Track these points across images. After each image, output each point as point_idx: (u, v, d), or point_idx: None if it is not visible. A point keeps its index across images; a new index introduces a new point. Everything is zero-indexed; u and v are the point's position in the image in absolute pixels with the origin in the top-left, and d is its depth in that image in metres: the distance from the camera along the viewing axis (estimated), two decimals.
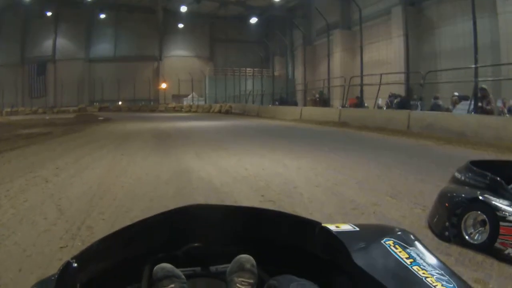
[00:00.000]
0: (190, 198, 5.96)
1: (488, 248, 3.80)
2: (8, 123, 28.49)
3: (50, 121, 29.73)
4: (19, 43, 65.45)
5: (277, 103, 37.96)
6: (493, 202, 3.85)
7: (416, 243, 1.68)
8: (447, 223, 4.21)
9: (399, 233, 1.75)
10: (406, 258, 1.55)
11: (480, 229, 3.98)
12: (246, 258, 1.76)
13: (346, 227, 1.81)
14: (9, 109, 56.50)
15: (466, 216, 4.07)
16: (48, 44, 66.14)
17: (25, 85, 65.43)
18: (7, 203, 5.81)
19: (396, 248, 1.61)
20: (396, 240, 1.67)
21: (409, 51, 26.50)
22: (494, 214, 3.80)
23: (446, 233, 4.19)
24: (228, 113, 41.00)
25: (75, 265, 1.52)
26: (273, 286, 1.60)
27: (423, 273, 1.46)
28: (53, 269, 3.44)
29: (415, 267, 1.49)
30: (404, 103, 20.13)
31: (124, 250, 1.82)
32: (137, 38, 66.88)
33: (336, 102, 31.67)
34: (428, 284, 1.40)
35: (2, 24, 64.25)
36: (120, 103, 62.13)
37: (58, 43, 66.36)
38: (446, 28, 27.86)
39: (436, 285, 1.39)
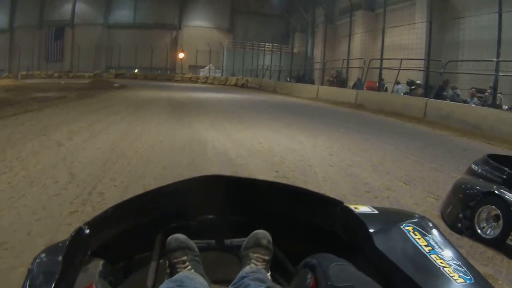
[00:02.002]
0: (204, 168, 5.94)
1: (499, 244, 3.73)
2: (23, 87, 28.59)
3: (65, 86, 29.81)
4: (38, 5, 65.52)
5: (294, 80, 37.81)
6: (509, 198, 3.78)
7: (435, 231, 1.65)
8: (460, 215, 4.14)
9: (418, 219, 1.72)
10: (425, 245, 1.53)
11: (493, 224, 3.92)
12: (263, 234, 1.72)
13: (365, 208, 1.79)
14: (24, 72, 56.73)
15: (480, 210, 4.00)
16: (67, 8, 66.13)
17: (42, 48, 65.61)
18: (19, 165, 5.80)
19: (415, 235, 1.59)
20: (415, 226, 1.64)
21: (432, 38, 26.18)
22: (508, 210, 3.73)
23: (459, 224, 4.13)
24: (244, 86, 40.90)
25: (87, 231, 1.49)
26: (312, 265, 1.56)
27: (441, 263, 1.43)
28: (62, 234, 3.43)
29: (433, 256, 1.47)
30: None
31: (137, 218, 1.79)
32: (157, 6, 66.68)
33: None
34: (445, 274, 1.37)
35: None
36: (136, 70, 62.21)
37: (77, 8, 66.35)
38: (471, 19, 27.42)
39: (454, 276, 1.37)
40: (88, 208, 4.17)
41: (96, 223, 1.55)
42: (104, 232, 1.63)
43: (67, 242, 1.40)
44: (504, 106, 18.36)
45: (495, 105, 15.80)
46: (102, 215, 1.61)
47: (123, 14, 67.54)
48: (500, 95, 17.61)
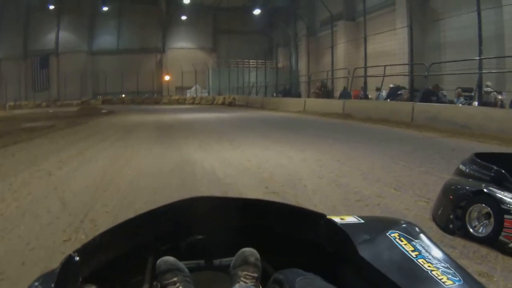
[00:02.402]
0: (194, 190, 5.95)
1: (492, 241, 3.77)
2: (12, 117, 28.51)
3: (53, 114, 29.78)
4: (21, 36, 65.52)
5: (280, 94, 37.93)
6: (498, 195, 3.82)
7: (422, 235, 1.66)
8: (451, 216, 4.18)
9: (404, 225, 1.73)
10: (412, 251, 1.53)
11: (484, 222, 3.95)
12: (250, 252, 1.74)
13: (350, 219, 1.80)
14: (12, 103, 56.54)
15: (470, 209, 4.04)
16: (50, 37, 66.21)
17: (28, 78, 65.52)
18: (10, 197, 5.81)
19: (402, 241, 1.59)
20: (401, 233, 1.65)
21: (413, 42, 26.41)
22: (498, 207, 3.77)
23: (451, 225, 4.16)
24: (231, 105, 40.97)
25: (77, 258, 1.51)
26: (279, 280, 1.58)
27: (429, 266, 1.44)
28: (56, 262, 3.41)
29: (420, 260, 1.47)
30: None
31: (126, 243, 1.81)
32: (140, 30, 66.89)
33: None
34: (434, 278, 1.38)
35: (4, 17, 64.29)
36: (123, 95, 62.20)
37: (60, 36, 66.40)
38: (451, 19, 27.68)
39: (442, 279, 1.37)
40: (81, 235, 4.17)
41: (86, 250, 1.56)
42: (95, 258, 1.64)
43: (57, 270, 1.41)
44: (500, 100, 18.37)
45: (487, 103, 15.90)
46: (92, 242, 1.63)
47: (106, 40, 67.65)
48: (495, 92, 17.75)
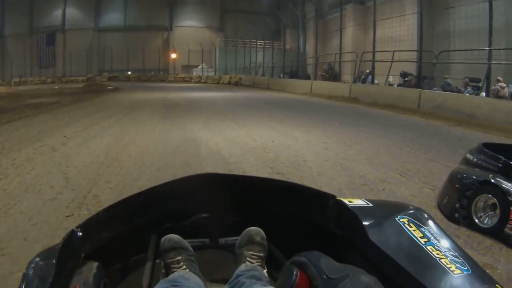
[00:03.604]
0: (198, 168, 5.94)
1: (497, 233, 3.73)
2: (17, 93, 28.55)
3: (58, 91, 29.81)
4: (27, 13, 65.37)
5: (287, 76, 37.79)
6: (505, 186, 3.77)
7: (430, 222, 1.64)
8: (457, 205, 4.14)
9: (413, 211, 1.70)
10: (421, 237, 1.52)
11: (490, 213, 3.91)
12: (256, 231, 1.71)
13: (359, 202, 1.77)
14: (17, 79, 56.65)
15: (476, 199, 4.00)
16: (57, 13, 66.02)
17: (33, 55, 65.49)
18: (14, 172, 5.81)
19: (411, 227, 1.57)
20: (410, 218, 1.62)
21: (423, 29, 26.21)
22: (505, 198, 3.72)
23: (456, 214, 4.13)
24: (238, 84, 40.90)
25: (80, 234, 1.48)
26: (301, 262, 1.55)
27: (437, 254, 1.42)
28: (59, 238, 3.40)
29: (429, 247, 1.46)
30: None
31: (130, 220, 1.78)
32: (147, 8, 66.59)
33: (347, 77, 31.51)
34: (442, 266, 1.37)
35: None
36: (129, 73, 62.15)
37: (67, 13, 66.20)
38: (461, 8, 27.47)
39: (450, 267, 1.36)
40: (83, 211, 4.17)
41: (89, 226, 1.54)
42: (97, 235, 1.62)
43: (59, 245, 1.39)
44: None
45: (496, 96, 15.83)
46: (95, 217, 1.60)
47: (113, 18, 67.43)
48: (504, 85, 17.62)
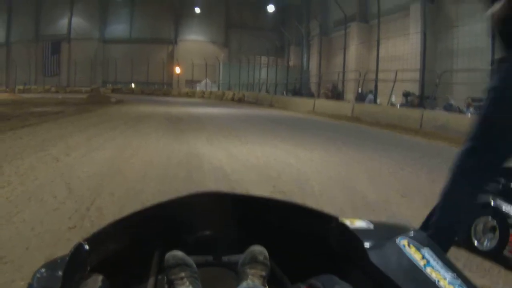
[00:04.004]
0: (201, 184, 5.95)
1: (496, 255, 3.74)
2: (21, 101, 28.67)
3: (62, 100, 29.94)
4: (33, 20, 65.75)
5: (290, 93, 37.92)
6: (505, 209, 3.79)
7: (430, 244, 1.64)
8: None
9: (414, 232, 1.71)
10: (420, 259, 1.53)
11: (489, 235, 3.92)
12: (259, 250, 1.73)
13: (360, 223, 1.78)
14: (22, 87, 56.79)
15: (476, 221, 4.01)
16: (63, 22, 66.38)
17: (38, 63, 65.80)
18: (17, 180, 5.80)
19: (410, 248, 1.58)
20: (410, 240, 1.63)
21: (426, 48, 26.33)
22: (504, 221, 3.73)
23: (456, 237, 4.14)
24: (241, 101, 41.03)
25: (87, 247, 1.51)
26: (317, 287, 1.57)
27: (436, 276, 1.43)
28: (61, 249, 3.43)
29: (428, 269, 1.47)
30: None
31: (134, 234, 1.80)
32: (153, 20, 66.95)
33: (350, 96, 31.64)
34: (441, 287, 1.38)
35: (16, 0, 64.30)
36: (133, 85, 62.34)
37: (73, 22, 66.59)
38: (464, 28, 27.60)
39: None
40: (86, 223, 4.16)
41: (96, 239, 1.56)
42: (103, 248, 1.64)
43: (67, 258, 1.41)
44: None
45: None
46: (102, 231, 1.62)
47: (119, 29, 67.75)
48: None
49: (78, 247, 1.48)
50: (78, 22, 66.24)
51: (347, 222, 1.75)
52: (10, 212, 4.46)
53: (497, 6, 2.77)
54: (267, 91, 41.85)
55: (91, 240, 1.54)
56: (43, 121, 14.26)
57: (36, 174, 6.23)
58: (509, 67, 2.85)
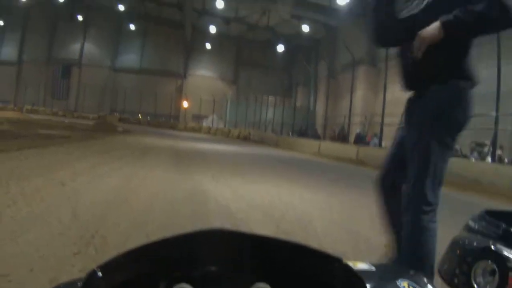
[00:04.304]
0: (206, 221, 5.95)
1: None
2: (28, 121, 28.85)
3: (69, 125, 30.16)
4: (46, 42, 66.56)
5: (296, 134, 38.12)
6: (505, 253, 3.82)
7: (429, 286, 1.69)
8: (457, 270, 4.15)
9: (413, 275, 1.76)
10: None
11: (489, 278, 3.94)
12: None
13: (362, 265, 1.83)
14: (29, 107, 57.12)
15: (476, 265, 4.01)
16: (75, 47, 67.20)
17: (48, 85, 66.40)
18: (23, 201, 5.81)
19: None
20: (410, 282, 1.66)
21: None
22: (504, 265, 3.75)
23: (455, 280, 4.14)
24: (246, 139, 41.23)
25: (100, 274, 1.54)
26: None
27: None
28: (65, 273, 3.46)
29: None
30: None
31: (143, 266, 1.84)
32: (164, 53, 67.64)
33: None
34: None
35: (30, 20, 65.29)
36: (140, 116, 62.67)
37: (85, 48, 67.45)
38: None
39: None
40: (91, 250, 4.16)
41: (108, 267, 1.60)
42: (114, 277, 1.68)
43: (79, 284, 1.45)
44: (505, 159, 18.50)
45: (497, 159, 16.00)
46: (114, 260, 1.66)
47: (130, 59, 68.44)
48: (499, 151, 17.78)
49: (92, 274, 1.52)
50: (90, 48, 67.06)
51: (350, 264, 1.79)
52: (15, 231, 4.47)
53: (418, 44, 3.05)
54: (273, 131, 42.03)
55: (104, 268, 1.58)
56: (50, 144, 14.34)
57: (42, 197, 6.24)
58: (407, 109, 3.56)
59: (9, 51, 66.95)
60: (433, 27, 2.99)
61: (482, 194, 12.39)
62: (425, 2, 3.14)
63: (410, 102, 3.58)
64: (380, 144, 26.04)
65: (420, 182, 3.40)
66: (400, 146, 3.52)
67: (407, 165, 3.39)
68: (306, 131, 39.06)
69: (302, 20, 49.76)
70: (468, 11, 2.91)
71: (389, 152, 3.69)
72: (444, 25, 2.97)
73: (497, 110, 16.77)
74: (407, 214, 3.49)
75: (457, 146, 19.83)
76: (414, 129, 3.40)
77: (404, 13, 3.27)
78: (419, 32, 3.03)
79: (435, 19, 2.99)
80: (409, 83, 3.58)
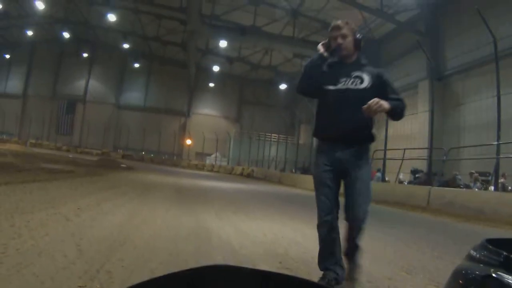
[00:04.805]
0: (209, 257, 5.98)
1: None
2: (32, 155, 28.98)
3: (73, 160, 30.30)
4: (52, 77, 67.48)
5: (299, 171, 38.15)
6: (506, 280, 3.83)
7: None
8: None
9: None
10: None
11: None
12: None
13: None
14: (33, 141, 57.40)
15: None
16: (80, 83, 68.02)
17: (52, 120, 67.02)
18: (27, 234, 5.87)
19: None
20: None
21: (433, 126, 26.70)
22: None
23: None
24: (249, 176, 41.29)
25: None
26: None
27: None
28: None
29: None
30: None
31: None
32: (168, 91, 68.28)
33: None
34: None
35: (37, 54, 66.11)
36: (143, 153, 62.85)
37: (90, 84, 68.25)
38: (471, 104, 28.08)
39: None
40: (96, 284, 4.19)
41: None
42: None
43: None
44: (508, 187, 18.50)
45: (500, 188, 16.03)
46: None
47: (134, 96, 69.06)
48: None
49: None
50: (95, 85, 67.76)
51: None
52: (20, 263, 4.51)
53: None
54: (276, 168, 42.05)
55: None
56: (53, 178, 14.42)
57: (47, 231, 6.28)
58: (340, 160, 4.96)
59: (15, 85, 67.78)
60: (386, 103, 4.21)
61: (486, 223, 12.41)
62: (367, 84, 4.52)
63: (341, 153, 4.85)
64: (383, 179, 26.05)
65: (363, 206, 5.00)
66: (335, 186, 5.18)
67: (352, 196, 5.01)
68: (309, 168, 39.08)
69: (304, 58, 50.28)
70: (400, 102, 4.46)
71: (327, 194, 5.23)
72: (391, 104, 4.29)
73: (498, 138, 16.85)
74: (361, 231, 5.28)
75: (459, 176, 19.87)
76: (362, 172, 4.95)
77: (341, 84, 4.59)
78: (378, 100, 4.14)
79: (375, 97, 4.22)
80: (351, 137, 4.72)
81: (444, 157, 19.81)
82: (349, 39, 4.60)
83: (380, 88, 4.47)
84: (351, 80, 4.56)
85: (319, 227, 5.31)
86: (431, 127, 27.22)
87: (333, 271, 4.87)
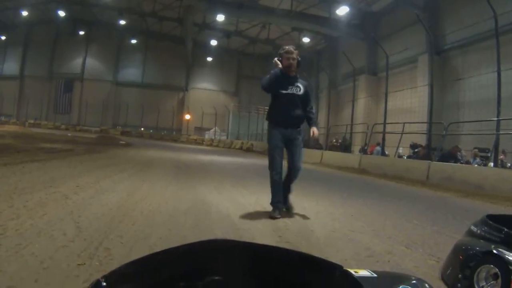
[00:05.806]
0: (209, 231, 5.97)
1: None
2: (30, 135, 28.88)
3: (71, 138, 30.19)
4: (49, 57, 66.99)
5: None
6: (507, 256, 3.83)
7: None
8: (459, 275, 4.17)
9: (416, 281, 1.79)
10: None
11: (492, 282, 3.95)
12: None
13: (364, 272, 1.86)
14: (32, 121, 57.31)
15: (479, 269, 4.03)
16: (77, 62, 67.59)
17: (50, 99, 66.85)
18: (26, 214, 5.86)
19: None
20: None
21: (433, 100, 26.59)
22: (506, 268, 3.77)
23: (458, 285, 4.15)
24: (249, 150, 41.24)
25: (104, 284, 1.56)
26: None
27: None
28: (69, 284, 3.51)
29: None
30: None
31: (147, 276, 1.86)
32: (165, 67, 67.92)
33: (358, 148, 31.80)
34: None
35: (33, 35, 65.66)
36: (142, 129, 62.80)
37: (87, 63, 67.78)
38: (471, 79, 27.92)
39: None
40: (95, 262, 4.18)
41: (112, 278, 1.62)
42: (118, 287, 1.69)
43: None
44: (508, 164, 18.53)
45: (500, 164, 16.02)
46: (118, 271, 1.68)
47: (131, 73, 68.72)
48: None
49: (96, 284, 1.54)
50: (92, 63, 67.39)
51: (351, 272, 1.81)
52: (19, 244, 4.50)
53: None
54: None
55: (108, 278, 1.60)
56: (52, 158, 14.42)
57: (46, 210, 6.27)
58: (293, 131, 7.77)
59: (12, 66, 67.45)
60: (315, 129, 7.72)
61: (485, 199, 12.43)
62: (302, 92, 7.52)
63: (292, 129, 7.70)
64: (383, 153, 26.03)
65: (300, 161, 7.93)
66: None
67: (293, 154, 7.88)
68: (308, 141, 39.07)
69: (302, 32, 49.96)
70: (314, 115, 8.03)
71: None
72: (314, 124, 7.83)
73: (498, 114, 16.79)
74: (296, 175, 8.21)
75: (463, 153, 19.86)
76: (298, 142, 7.82)
77: (289, 90, 7.48)
78: (314, 131, 7.72)
79: (305, 101, 7.65)
80: (295, 123, 7.64)
81: (444, 132, 19.72)
82: (295, 61, 7.58)
83: (306, 95, 7.60)
84: (294, 88, 7.48)
85: (274, 176, 7.93)
86: (430, 101, 27.10)
87: (280, 202, 7.85)
